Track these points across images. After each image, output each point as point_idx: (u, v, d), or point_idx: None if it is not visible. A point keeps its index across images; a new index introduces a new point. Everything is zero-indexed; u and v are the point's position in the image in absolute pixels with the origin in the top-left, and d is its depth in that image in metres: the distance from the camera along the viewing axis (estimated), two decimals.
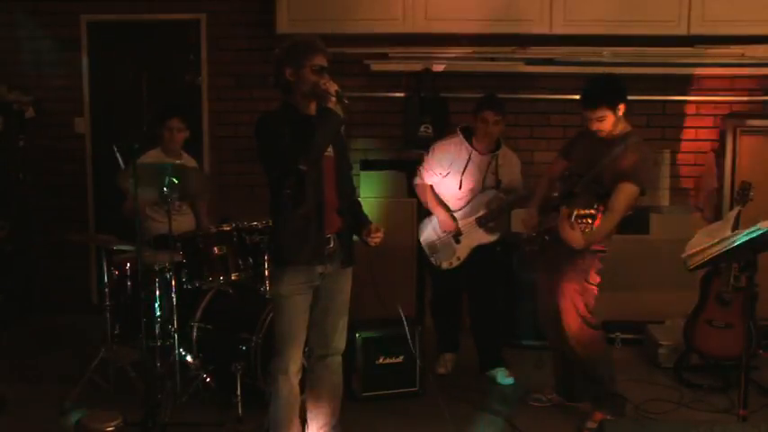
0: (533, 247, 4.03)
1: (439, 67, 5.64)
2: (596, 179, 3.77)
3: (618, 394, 3.96)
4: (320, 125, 3.06)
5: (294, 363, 3.22)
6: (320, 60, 3.12)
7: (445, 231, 4.54)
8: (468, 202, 4.52)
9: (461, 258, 4.54)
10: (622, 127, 3.80)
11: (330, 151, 3.20)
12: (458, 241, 4.52)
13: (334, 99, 3.06)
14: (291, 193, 3.09)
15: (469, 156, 4.49)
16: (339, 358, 3.39)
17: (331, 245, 3.22)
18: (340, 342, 3.37)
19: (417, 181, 4.65)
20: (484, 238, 4.52)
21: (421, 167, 4.63)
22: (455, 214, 4.55)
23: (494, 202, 4.51)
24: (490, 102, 4.46)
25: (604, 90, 3.76)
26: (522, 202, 4.44)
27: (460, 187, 4.51)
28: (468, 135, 4.54)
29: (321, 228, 3.16)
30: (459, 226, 4.51)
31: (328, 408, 3.39)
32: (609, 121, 3.72)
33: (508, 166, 4.59)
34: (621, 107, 3.74)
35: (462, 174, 4.49)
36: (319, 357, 3.35)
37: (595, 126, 3.75)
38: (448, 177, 4.53)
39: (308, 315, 3.25)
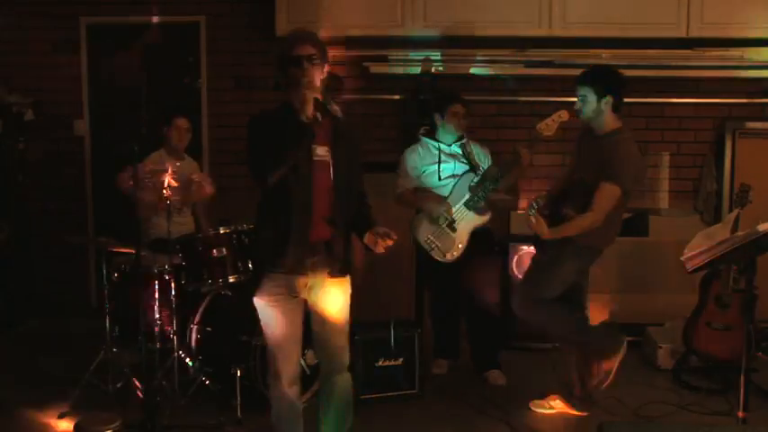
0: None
1: (438, 70, 5.65)
2: (583, 178, 3.83)
3: (605, 333, 4.04)
4: (291, 140, 2.87)
5: (284, 373, 3.08)
6: (301, 50, 2.90)
7: (441, 212, 4.50)
8: (451, 191, 4.55)
9: (462, 245, 4.51)
10: (613, 124, 3.82)
11: (325, 155, 2.99)
12: (453, 229, 4.52)
13: (310, 108, 2.85)
14: (270, 200, 2.96)
15: (438, 148, 4.59)
16: (346, 376, 3.18)
17: (315, 254, 3.00)
18: (342, 357, 3.16)
19: (398, 191, 4.65)
20: (477, 219, 4.54)
21: (398, 179, 4.66)
22: None
23: (474, 182, 4.54)
24: (456, 96, 4.63)
25: (596, 73, 3.86)
26: (503, 179, 4.48)
27: (440, 177, 4.56)
28: (430, 136, 4.65)
29: (303, 236, 2.95)
30: (452, 212, 4.52)
31: (333, 426, 3.21)
32: (589, 106, 3.79)
33: (477, 153, 4.65)
34: (609, 99, 3.77)
35: (439, 164, 4.56)
36: (326, 374, 3.19)
37: (577, 105, 3.84)
38: (425, 174, 4.59)
39: (296, 326, 3.10)
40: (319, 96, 2.94)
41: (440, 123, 4.61)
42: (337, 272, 3.06)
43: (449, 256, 4.53)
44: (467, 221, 4.53)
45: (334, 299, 3.09)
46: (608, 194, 3.71)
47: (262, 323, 3.12)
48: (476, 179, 4.51)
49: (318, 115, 2.88)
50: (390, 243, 2.99)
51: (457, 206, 4.53)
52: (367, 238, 3.04)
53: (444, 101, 4.63)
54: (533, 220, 3.79)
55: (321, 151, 2.99)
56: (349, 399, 3.22)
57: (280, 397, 3.12)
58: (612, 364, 3.87)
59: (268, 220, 3.02)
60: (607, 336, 4.01)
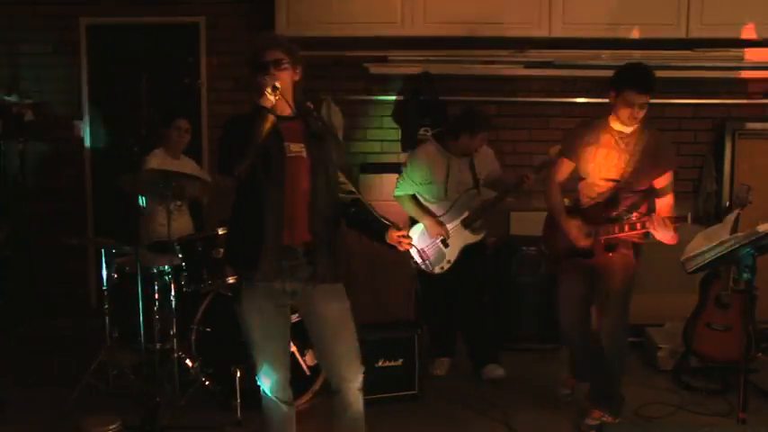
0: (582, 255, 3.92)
1: (438, 70, 5.65)
2: (635, 178, 3.78)
3: (620, 395, 3.98)
4: (250, 123, 2.77)
5: (271, 382, 2.98)
6: (268, 56, 2.84)
7: (435, 237, 4.55)
8: (452, 206, 4.55)
9: (452, 261, 4.57)
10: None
11: (300, 151, 2.88)
12: (446, 245, 4.56)
13: (267, 93, 2.76)
14: (242, 200, 2.85)
15: (448, 161, 4.54)
16: (354, 390, 3.00)
17: (294, 258, 2.88)
18: (348, 370, 2.98)
19: (398, 192, 4.64)
20: (470, 238, 4.58)
21: (400, 179, 4.63)
22: (440, 218, 4.57)
23: (475, 202, 4.56)
24: (483, 122, 4.52)
25: (655, 78, 3.70)
26: (501, 199, 4.52)
27: (446, 193, 4.54)
28: (442, 141, 4.58)
29: (275, 238, 2.82)
30: (447, 230, 4.53)
31: None
32: (645, 110, 3.70)
33: (483, 162, 4.64)
34: None
35: (446, 179, 4.53)
36: (335, 390, 3.02)
37: (637, 114, 3.66)
38: (431, 185, 4.56)
39: (281, 336, 2.98)
40: (290, 98, 2.88)
41: (462, 142, 4.50)
42: (324, 278, 2.93)
43: (437, 269, 4.59)
44: (460, 238, 4.55)
45: (327, 308, 2.96)
46: (672, 179, 3.79)
47: (243, 332, 2.97)
48: (473, 199, 4.55)
49: (272, 97, 2.78)
50: (409, 241, 2.89)
51: (453, 223, 4.54)
52: (389, 237, 2.89)
53: (474, 126, 4.47)
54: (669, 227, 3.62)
55: (295, 147, 2.88)
56: (360, 415, 3.04)
57: (268, 406, 3.04)
58: (603, 417, 3.88)
59: (239, 222, 2.92)
60: (619, 399, 3.99)
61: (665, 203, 3.77)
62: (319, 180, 2.90)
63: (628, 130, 3.75)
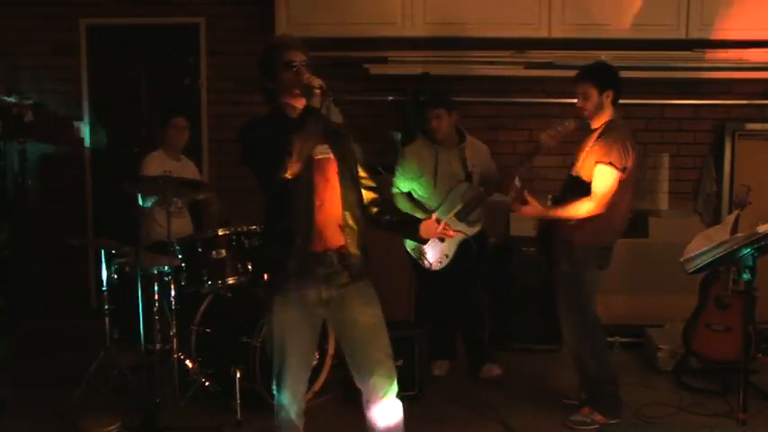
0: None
1: (438, 71, 5.65)
2: (578, 174, 3.83)
3: (613, 396, 3.96)
4: (301, 124, 2.70)
5: (289, 394, 2.91)
6: (293, 56, 2.83)
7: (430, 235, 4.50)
8: (444, 199, 4.53)
9: (450, 255, 4.52)
10: (607, 117, 3.83)
11: (327, 152, 2.85)
12: (442, 239, 4.50)
13: (318, 92, 2.69)
14: (274, 206, 2.80)
15: (436, 153, 4.54)
16: (393, 396, 2.95)
17: (329, 265, 2.82)
18: (386, 377, 2.92)
19: (394, 191, 4.64)
20: (467, 230, 4.49)
21: (395, 178, 4.64)
22: (434, 212, 4.55)
23: (468, 194, 4.52)
24: (432, 101, 4.63)
25: (595, 69, 3.90)
26: (494, 190, 4.46)
27: (435, 185, 4.54)
28: (431, 135, 4.61)
29: (309, 246, 2.78)
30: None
31: None
32: (591, 102, 3.79)
33: (477, 156, 4.62)
34: (609, 93, 3.79)
35: (435, 171, 4.53)
36: (367, 401, 2.94)
37: (579, 102, 3.83)
38: (422, 178, 4.56)
39: (308, 348, 2.93)
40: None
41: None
42: (360, 276, 2.88)
43: (436, 265, 4.53)
44: (456, 232, 4.50)
45: (359, 311, 2.89)
46: (602, 175, 3.69)
47: (271, 342, 2.90)
48: (466, 191, 4.50)
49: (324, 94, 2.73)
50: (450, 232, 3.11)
51: (447, 216, 4.50)
52: (427, 231, 3.06)
53: (426, 105, 4.62)
54: (528, 198, 3.81)
55: (321, 149, 2.84)
56: (398, 427, 2.97)
57: (281, 414, 2.97)
58: (602, 420, 3.87)
59: (272, 231, 2.88)
60: (612, 400, 3.97)
61: (586, 200, 3.72)
62: (346, 179, 2.88)
63: (595, 125, 3.85)
